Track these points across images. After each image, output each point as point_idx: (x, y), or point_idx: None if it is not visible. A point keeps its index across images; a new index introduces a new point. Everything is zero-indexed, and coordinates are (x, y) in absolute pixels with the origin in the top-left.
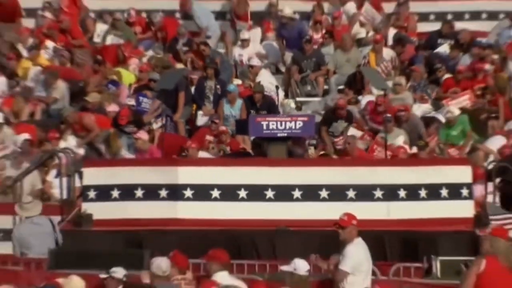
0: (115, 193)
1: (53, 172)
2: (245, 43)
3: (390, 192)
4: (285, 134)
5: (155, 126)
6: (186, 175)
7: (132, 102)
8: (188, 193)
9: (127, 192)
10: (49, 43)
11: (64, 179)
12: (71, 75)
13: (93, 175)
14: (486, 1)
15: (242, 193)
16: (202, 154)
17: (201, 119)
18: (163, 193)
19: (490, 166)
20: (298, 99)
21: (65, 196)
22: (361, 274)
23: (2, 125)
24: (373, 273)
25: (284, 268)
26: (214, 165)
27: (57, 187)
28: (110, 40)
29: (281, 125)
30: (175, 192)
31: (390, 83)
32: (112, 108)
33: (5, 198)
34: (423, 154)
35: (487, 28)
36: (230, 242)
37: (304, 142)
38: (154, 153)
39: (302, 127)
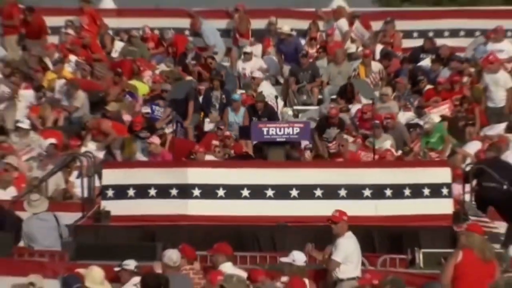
0: (131, 192)
1: (75, 173)
2: (247, 56)
3: (378, 191)
4: (284, 139)
5: (166, 131)
6: (194, 176)
7: (147, 109)
8: (197, 192)
9: (141, 191)
10: (72, 57)
11: (85, 180)
12: (91, 86)
13: (111, 176)
14: (464, 20)
15: (245, 192)
16: (209, 157)
17: (208, 126)
18: (174, 192)
19: (468, 168)
20: (295, 107)
21: (86, 195)
22: (352, 264)
23: (29, 131)
24: (363, 264)
25: (283, 259)
26: (219, 167)
27: (79, 187)
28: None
29: (280, 131)
30: (185, 191)
31: (377, 93)
32: (128, 118)
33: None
34: (409, 158)
35: (464, 44)
36: (234, 236)
37: (299, 146)
38: (166, 156)
39: (299, 132)
